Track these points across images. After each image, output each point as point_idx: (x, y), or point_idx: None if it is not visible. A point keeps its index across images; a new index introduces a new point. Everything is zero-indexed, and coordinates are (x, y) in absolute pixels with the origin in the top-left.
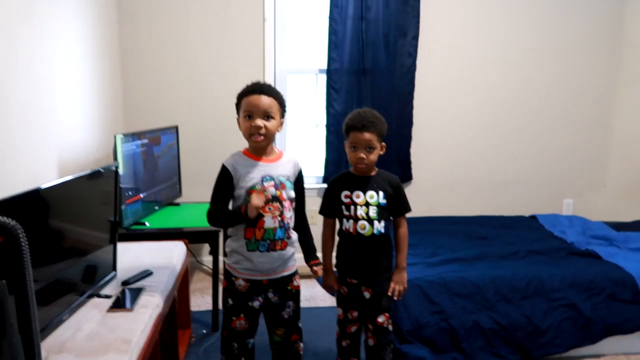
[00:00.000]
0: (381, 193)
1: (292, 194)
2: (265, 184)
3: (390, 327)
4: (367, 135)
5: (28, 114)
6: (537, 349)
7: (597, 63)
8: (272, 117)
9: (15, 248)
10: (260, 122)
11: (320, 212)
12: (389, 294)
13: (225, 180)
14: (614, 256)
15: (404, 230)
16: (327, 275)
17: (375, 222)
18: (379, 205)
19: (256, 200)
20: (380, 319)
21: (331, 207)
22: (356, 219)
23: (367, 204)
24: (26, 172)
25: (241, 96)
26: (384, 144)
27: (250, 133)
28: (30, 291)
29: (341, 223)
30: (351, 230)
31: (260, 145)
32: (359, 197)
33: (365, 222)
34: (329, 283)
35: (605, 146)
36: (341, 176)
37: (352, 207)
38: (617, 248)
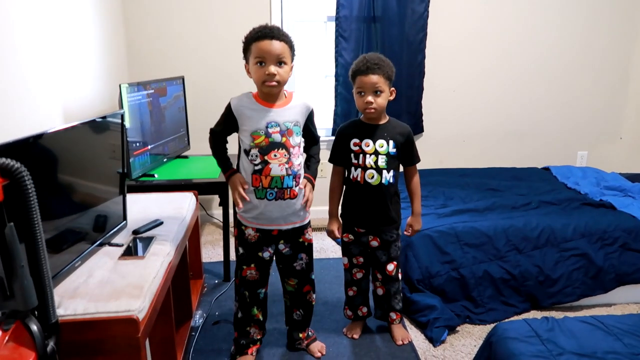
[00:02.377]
0: (391, 142)
1: (299, 140)
2: (270, 130)
3: (400, 276)
4: (373, 78)
5: (31, 64)
6: (547, 297)
7: (614, 8)
8: (285, 63)
9: (21, 190)
10: (273, 68)
11: (330, 160)
12: (406, 233)
13: (229, 118)
14: (628, 207)
15: (416, 179)
16: (331, 220)
17: (384, 172)
18: (388, 155)
19: (235, 195)
20: (390, 268)
21: (340, 155)
22: (365, 167)
23: (376, 153)
24: (30, 122)
25: (250, 41)
26: (393, 88)
27: (263, 80)
28: (39, 232)
29: (349, 172)
30: (359, 179)
31: (273, 91)
32: (369, 145)
33: (374, 172)
34: (331, 228)
35: (621, 96)
36: (351, 124)
37: (361, 156)
38: (632, 199)
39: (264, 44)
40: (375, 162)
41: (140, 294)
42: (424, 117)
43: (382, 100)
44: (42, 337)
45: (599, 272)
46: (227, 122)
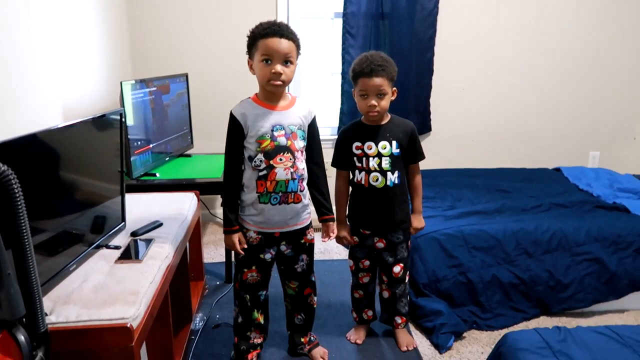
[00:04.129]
0: (394, 143)
1: (303, 144)
2: (275, 134)
3: (407, 278)
4: (377, 81)
5: (31, 59)
6: (558, 303)
7: (629, 5)
8: (291, 62)
9: (7, 193)
10: (280, 68)
11: (333, 164)
12: (412, 233)
13: (236, 130)
14: None
15: (418, 178)
16: (340, 227)
17: (389, 174)
18: (391, 156)
19: (231, 247)
20: (396, 270)
21: (343, 158)
22: (368, 170)
23: (379, 155)
24: (29, 120)
25: (257, 37)
26: (395, 88)
27: (269, 79)
28: (27, 238)
29: (353, 174)
30: (363, 182)
31: (277, 91)
32: (371, 148)
33: (378, 174)
34: (341, 235)
35: (635, 96)
36: (352, 126)
37: (364, 159)
38: None
39: (271, 42)
40: (379, 165)
41: (136, 300)
42: (432, 116)
43: (385, 103)
44: (30, 347)
45: (612, 278)
46: (236, 135)
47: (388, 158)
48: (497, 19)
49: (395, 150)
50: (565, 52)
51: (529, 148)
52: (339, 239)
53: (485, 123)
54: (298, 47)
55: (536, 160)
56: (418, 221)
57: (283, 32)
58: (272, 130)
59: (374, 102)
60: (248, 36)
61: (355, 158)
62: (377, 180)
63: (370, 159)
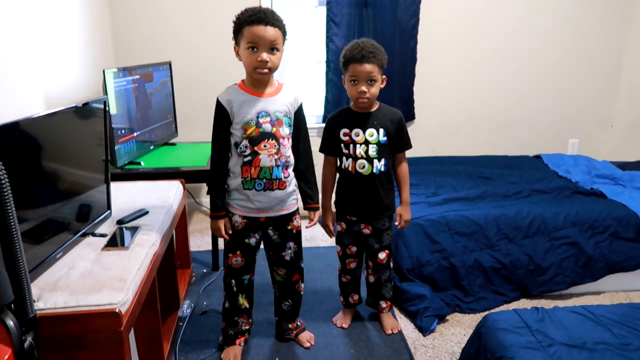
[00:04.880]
0: (382, 130)
1: (289, 131)
2: (261, 120)
3: (391, 264)
4: (367, 67)
5: (11, 48)
6: (537, 286)
7: None
8: (277, 50)
9: None
10: (266, 55)
11: (321, 150)
12: (396, 223)
13: (222, 116)
14: (618, 195)
15: (405, 166)
16: (325, 214)
17: (375, 161)
18: (378, 144)
19: (216, 232)
20: (381, 256)
21: (331, 144)
22: (355, 157)
23: (366, 142)
24: (11, 109)
25: (243, 24)
26: (384, 76)
27: (255, 67)
28: (14, 225)
29: (340, 161)
30: (350, 169)
31: (264, 78)
32: (358, 135)
33: (365, 161)
34: (326, 222)
35: (613, 85)
36: (340, 112)
37: (351, 146)
38: (622, 187)
39: (257, 29)
40: (366, 152)
41: (124, 287)
42: (415, 105)
43: (375, 90)
44: (19, 332)
45: (589, 261)
46: (222, 122)
47: (375, 145)
48: (479, 10)
49: (382, 138)
50: (545, 43)
51: (511, 136)
52: (324, 226)
53: (468, 111)
54: (284, 33)
55: (517, 147)
56: (406, 212)
57: (269, 19)
58: (258, 117)
59: (364, 88)
60: (234, 22)
61: (342, 145)
62: (363, 167)
63: (358, 145)
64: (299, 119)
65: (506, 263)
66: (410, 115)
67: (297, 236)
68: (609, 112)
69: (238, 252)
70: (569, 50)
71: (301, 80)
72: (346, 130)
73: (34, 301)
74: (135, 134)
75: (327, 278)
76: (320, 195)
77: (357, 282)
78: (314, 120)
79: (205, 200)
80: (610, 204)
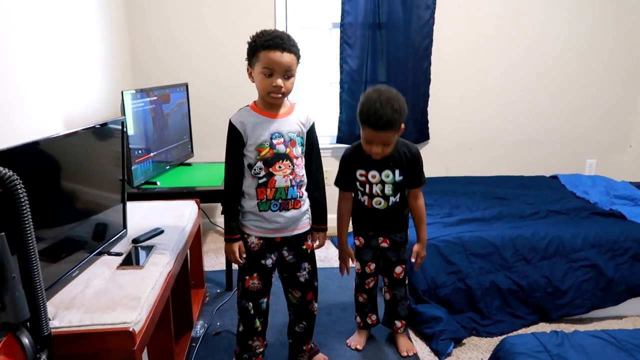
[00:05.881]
0: (397, 171)
1: (302, 150)
2: (274, 141)
3: (406, 281)
4: (384, 135)
5: (32, 69)
6: (556, 309)
7: (623, 15)
8: (292, 75)
9: (13, 199)
10: (281, 81)
11: (336, 184)
12: (412, 260)
13: (235, 139)
14: (638, 216)
15: (421, 203)
16: (340, 251)
17: (391, 198)
18: (394, 183)
19: (230, 255)
20: (398, 270)
21: (346, 181)
22: (371, 195)
23: (382, 182)
24: (30, 129)
25: (259, 47)
26: (402, 125)
27: (269, 91)
28: (32, 243)
29: (356, 194)
30: (366, 203)
31: (277, 102)
32: (375, 177)
33: (381, 199)
34: (342, 260)
35: (631, 104)
36: (355, 151)
37: (367, 185)
38: None
39: (274, 55)
40: (382, 190)
41: (138, 305)
42: (429, 125)
43: (389, 149)
44: (34, 350)
45: (610, 284)
46: (235, 144)
47: (391, 185)
48: (493, 29)
49: (398, 178)
50: (561, 61)
51: (526, 156)
52: (340, 264)
53: (483, 131)
54: (298, 58)
55: (533, 167)
56: (423, 250)
57: (285, 45)
58: (271, 138)
59: (379, 150)
60: (249, 44)
61: (358, 183)
62: (379, 204)
63: (374, 185)
64: (311, 139)
65: (523, 285)
66: (424, 136)
67: (311, 256)
68: (627, 131)
69: (255, 275)
70: (584, 69)
71: (315, 101)
72: (362, 172)
73: (49, 319)
74: (151, 154)
75: (341, 299)
76: (336, 229)
77: (374, 301)
78: (328, 140)
79: (220, 220)
80: (630, 225)
